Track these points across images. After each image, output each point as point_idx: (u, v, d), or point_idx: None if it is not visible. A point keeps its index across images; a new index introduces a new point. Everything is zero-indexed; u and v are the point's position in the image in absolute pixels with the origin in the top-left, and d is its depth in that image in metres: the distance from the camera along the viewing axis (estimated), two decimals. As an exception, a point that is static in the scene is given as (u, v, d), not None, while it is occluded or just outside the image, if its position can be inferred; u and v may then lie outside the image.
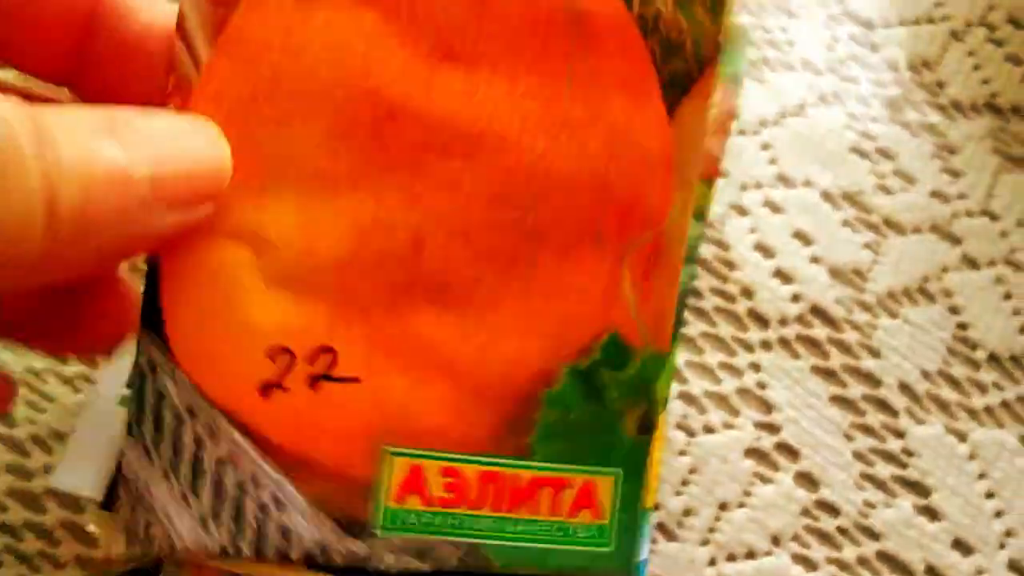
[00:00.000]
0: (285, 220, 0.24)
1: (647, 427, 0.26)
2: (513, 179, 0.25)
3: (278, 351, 0.24)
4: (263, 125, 0.24)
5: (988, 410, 0.32)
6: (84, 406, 0.28)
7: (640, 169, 0.25)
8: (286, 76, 0.24)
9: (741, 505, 0.31)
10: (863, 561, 0.31)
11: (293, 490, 0.24)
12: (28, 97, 0.18)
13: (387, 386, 0.24)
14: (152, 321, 0.23)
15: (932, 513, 0.31)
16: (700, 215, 0.32)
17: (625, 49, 0.25)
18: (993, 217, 0.34)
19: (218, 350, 0.24)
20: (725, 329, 0.32)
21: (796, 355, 0.32)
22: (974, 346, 0.33)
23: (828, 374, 0.32)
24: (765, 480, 0.31)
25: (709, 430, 0.31)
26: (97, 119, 0.19)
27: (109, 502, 0.27)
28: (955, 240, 0.34)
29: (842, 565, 0.30)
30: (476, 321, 0.25)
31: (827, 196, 0.34)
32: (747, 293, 0.33)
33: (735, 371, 0.32)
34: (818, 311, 0.33)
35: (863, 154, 0.34)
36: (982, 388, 0.32)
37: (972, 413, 0.32)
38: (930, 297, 0.33)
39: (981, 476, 0.31)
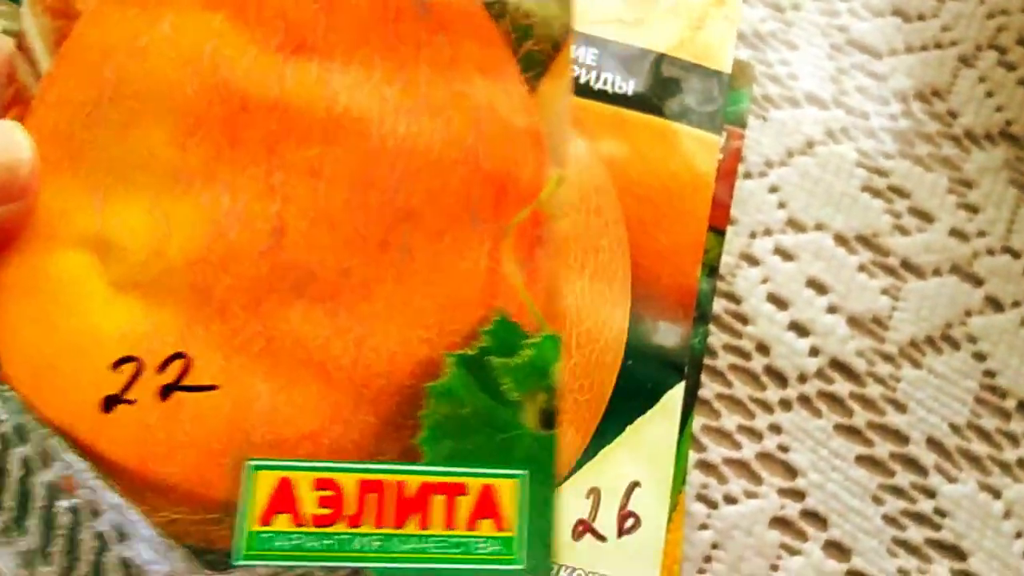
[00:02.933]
0: (134, 222, 0.23)
1: (550, 419, 0.24)
2: (377, 162, 0.24)
3: (124, 361, 0.22)
4: (108, 128, 0.23)
5: (1021, 462, 0.30)
6: None
7: (509, 145, 0.25)
8: (132, 78, 0.24)
9: (769, 581, 0.29)
10: (899, 632, 0.29)
11: (138, 517, 0.22)
12: None
13: (249, 392, 0.22)
14: None
15: (970, 578, 0.29)
16: (711, 269, 0.30)
17: (477, 33, 0.25)
18: (1015, 254, 0.32)
19: (55, 363, 0.22)
20: (742, 389, 0.30)
21: (818, 413, 0.30)
22: (1003, 394, 0.31)
23: (853, 432, 0.30)
24: (793, 552, 0.29)
25: (731, 500, 0.29)
26: None
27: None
28: (977, 281, 0.32)
29: (877, 637, 0.29)
30: (348, 313, 0.23)
31: (841, 240, 0.32)
32: (763, 349, 0.31)
33: (755, 434, 0.30)
34: (838, 365, 0.31)
35: (876, 193, 0.32)
36: (1013, 439, 0.30)
37: (1005, 467, 0.30)
38: (954, 344, 0.31)
39: (1018, 535, 0.29)
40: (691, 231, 0.29)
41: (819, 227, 0.32)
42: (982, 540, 0.29)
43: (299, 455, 0.22)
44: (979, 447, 0.30)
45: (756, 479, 0.30)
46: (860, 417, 0.30)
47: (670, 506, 0.27)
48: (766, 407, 0.30)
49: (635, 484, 0.27)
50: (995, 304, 0.32)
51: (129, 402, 0.22)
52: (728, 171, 0.31)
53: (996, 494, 0.30)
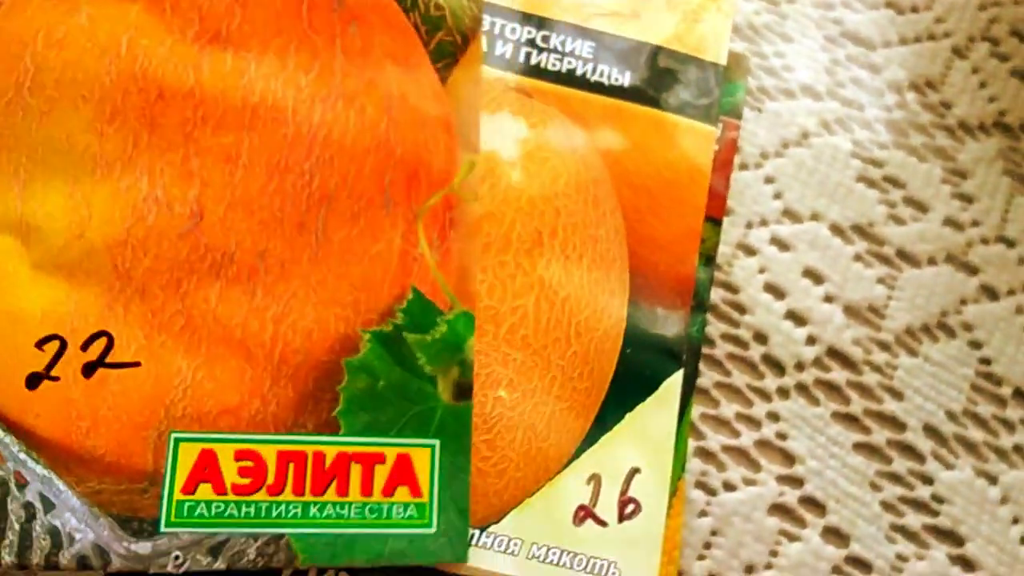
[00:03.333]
0: (55, 206, 0.24)
1: (464, 392, 0.25)
2: (292, 148, 0.25)
3: (48, 340, 0.23)
4: (28, 116, 0.24)
5: (1017, 449, 0.30)
6: None
7: (420, 132, 0.26)
8: (51, 68, 0.24)
9: (768, 567, 0.29)
10: (898, 617, 0.29)
11: (65, 487, 0.23)
12: None
13: (171, 368, 0.23)
14: None
15: (967, 563, 0.29)
16: (708, 259, 0.30)
17: (390, 25, 0.27)
18: (1009, 243, 0.32)
19: None
20: (740, 378, 0.31)
21: (815, 401, 0.31)
22: (999, 382, 0.31)
23: (850, 420, 0.30)
24: (792, 538, 0.29)
25: (730, 487, 0.30)
26: None
27: None
28: (972, 270, 0.32)
29: (876, 623, 0.29)
30: (266, 293, 0.24)
31: (837, 230, 0.32)
32: (760, 338, 0.31)
33: (753, 422, 0.30)
34: (835, 353, 0.31)
35: (871, 183, 0.33)
36: (1009, 426, 0.31)
37: (1001, 453, 0.30)
38: (950, 332, 0.31)
39: (1015, 521, 0.30)
40: (688, 221, 0.30)
41: (815, 217, 0.32)
42: (979, 525, 0.30)
43: (220, 428, 0.23)
44: (975, 434, 0.31)
45: (755, 466, 0.30)
46: (857, 405, 0.31)
47: (670, 492, 0.27)
48: (764, 395, 0.30)
49: (635, 470, 0.27)
50: (990, 292, 0.32)
51: (53, 379, 0.23)
52: (724, 162, 0.31)
53: (992, 480, 0.30)
